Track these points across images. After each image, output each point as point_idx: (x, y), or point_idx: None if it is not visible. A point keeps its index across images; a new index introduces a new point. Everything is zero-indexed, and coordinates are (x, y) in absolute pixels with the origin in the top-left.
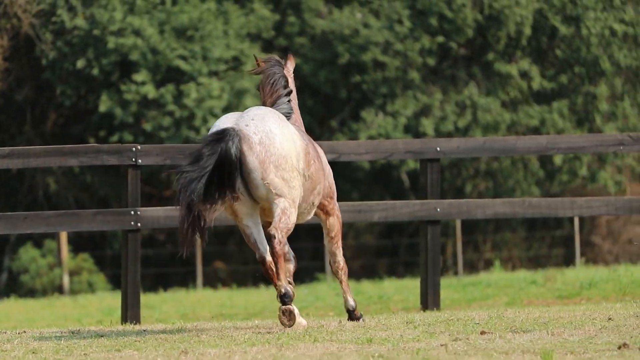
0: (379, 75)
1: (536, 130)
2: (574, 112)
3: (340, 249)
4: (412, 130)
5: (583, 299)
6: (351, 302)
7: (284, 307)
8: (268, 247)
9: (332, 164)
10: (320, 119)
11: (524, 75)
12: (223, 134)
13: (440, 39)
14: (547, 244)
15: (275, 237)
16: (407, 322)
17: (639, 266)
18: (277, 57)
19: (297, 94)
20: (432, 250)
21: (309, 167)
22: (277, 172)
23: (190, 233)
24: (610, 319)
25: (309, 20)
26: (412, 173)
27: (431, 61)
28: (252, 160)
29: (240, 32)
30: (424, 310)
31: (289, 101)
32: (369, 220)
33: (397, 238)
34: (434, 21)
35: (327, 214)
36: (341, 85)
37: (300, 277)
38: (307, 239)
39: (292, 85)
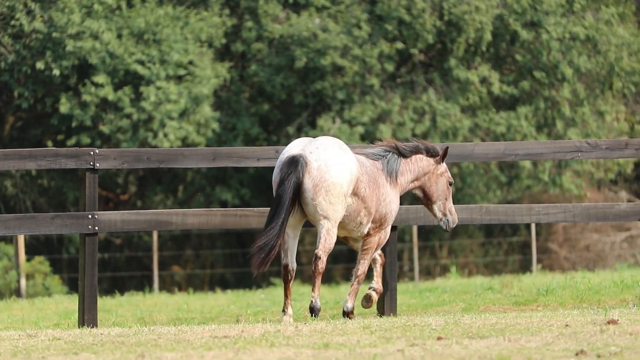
0: (338, 80)
1: (502, 136)
2: (536, 118)
3: (366, 262)
4: (370, 137)
5: (540, 305)
6: (348, 305)
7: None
8: (293, 259)
9: None
10: (277, 125)
11: (484, 80)
12: (293, 163)
13: (399, 45)
14: (504, 250)
15: (320, 259)
16: (363, 328)
17: (596, 273)
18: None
19: (252, 101)
20: (389, 256)
21: (359, 192)
22: (326, 196)
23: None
24: (567, 325)
25: (266, 25)
26: None
27: (390, 67)
28: (308, 182)
29: (199, 37)
30: (381, 316)
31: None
32: None
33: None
34: (392, 26)
35: (369, 234)
36: (298, 91)
37: (257, 281)
38: None
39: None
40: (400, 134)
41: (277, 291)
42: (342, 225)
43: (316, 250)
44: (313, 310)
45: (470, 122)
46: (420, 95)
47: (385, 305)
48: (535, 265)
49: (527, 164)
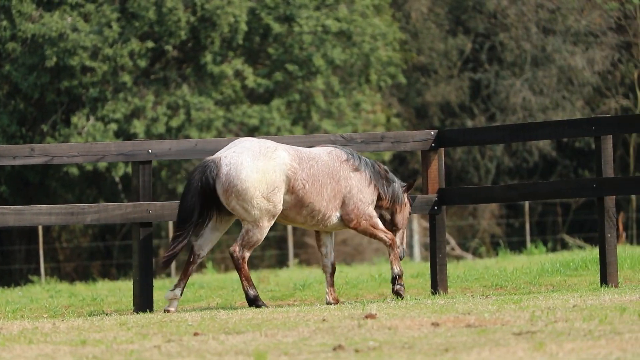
0: (89, 79)
1: (256, 129)
2: (291, 110)
3: (382, 237)
4: (124, 133)
5: (297, 300)
6: (395, 270)
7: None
8: (202, 244)
9: (46, 167)
10: (33, 122)
11: (237, 74)
12: (201, 167)
13: (150, 44)
14: (261, 245)
15: (233, 256)
16: (120, 324)
17: (353, 267)
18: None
19: (10, 98)
20: (144, 252)
21: (295, 190)
22: (238, 201)
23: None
24: (324, 320)
25: (19, 24)
26: (126, 176)
27: (142, 63)
28: (219, 188)
29: None
30: (137, 312)
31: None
32: (81, 222)
33: (111, 240)
34: (143, 24)
35: (355, 228)
36: (50, 90)
37: (15, 279)
38: (21, 242)
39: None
40: (154, 129)
41: (35, 288)
42: (290, 219)
43: (229, 248)
44: (248, 301)
45: (225, 114)
46: (174, 90)
47: (142, 301)
48: (292, 260)
49: None
